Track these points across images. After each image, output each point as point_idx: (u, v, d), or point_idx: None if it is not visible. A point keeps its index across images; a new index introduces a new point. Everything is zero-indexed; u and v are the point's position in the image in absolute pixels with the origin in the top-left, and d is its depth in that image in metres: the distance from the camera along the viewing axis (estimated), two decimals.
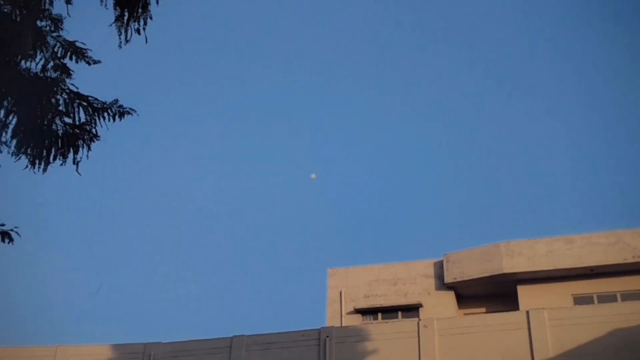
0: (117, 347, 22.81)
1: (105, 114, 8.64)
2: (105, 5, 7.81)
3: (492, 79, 59.80)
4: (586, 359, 18.12)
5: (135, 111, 8.85)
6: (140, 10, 7.84)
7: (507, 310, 21.65)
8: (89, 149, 8.58)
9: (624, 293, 21.93)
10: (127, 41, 7.97)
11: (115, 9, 7.92)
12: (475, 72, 59.15)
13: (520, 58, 56.67)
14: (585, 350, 18.23)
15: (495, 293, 23.63)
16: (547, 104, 58.57)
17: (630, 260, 21.98)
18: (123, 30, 7.93)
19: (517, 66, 58.13)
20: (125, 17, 7.92)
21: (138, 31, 7.94)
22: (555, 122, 56.51)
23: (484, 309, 23.63)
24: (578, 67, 56.29)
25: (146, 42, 8.09)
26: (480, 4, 56.11)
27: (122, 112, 8.74)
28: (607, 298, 21.86)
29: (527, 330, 19.01)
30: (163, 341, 22.34)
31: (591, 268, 22.33)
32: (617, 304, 20.75)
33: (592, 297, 22.19)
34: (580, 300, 22.18)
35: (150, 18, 7.94)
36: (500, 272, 22.94)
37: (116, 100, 8.77)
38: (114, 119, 8.72)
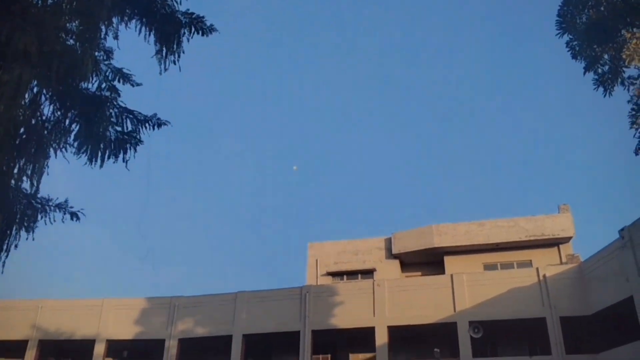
0: (150, 299, 22.17)
1: (147, 124, 8.26)
2: (147, 41, 7.43)
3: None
4: (491, 308, 18.20)
5: (169, 122, 8.48)
6: (175, 46, 7.46)
7: (437, 274, 21.69)
8: (135, 150, 8.22)
9: (519, 262, 22.07)
10: (165, 69, 7.60)
11: (155, 44, 7.54)
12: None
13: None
14: (491, 302, 18.32)
15: (428, 261, 23.59)
16: None
17: (523, 238, 22.14)
18: (162, 61, 7.55)
19: None
20: (164, 52, 7.54)
21: (174, 62, 7.58)
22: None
23: (420, 273, 23.49)
24: None
25: (180, 70, 7.73)
26: None
27: (159, 123, 8.38)
28: (507, 265, 21.97)
29: (450, 288, 18.98)
30: (184, 295, 21.80)
31: (496, 244, 22.43)
32: (513, 270, 20.83)
33: (496, 265, 22.25)
34: (488, 267, 22.21)
35: (183, 52, 7.58)
36: (432, 246, 22.89)
37: (155, 114, 8.40)
38: (154, 128, 8.36)
